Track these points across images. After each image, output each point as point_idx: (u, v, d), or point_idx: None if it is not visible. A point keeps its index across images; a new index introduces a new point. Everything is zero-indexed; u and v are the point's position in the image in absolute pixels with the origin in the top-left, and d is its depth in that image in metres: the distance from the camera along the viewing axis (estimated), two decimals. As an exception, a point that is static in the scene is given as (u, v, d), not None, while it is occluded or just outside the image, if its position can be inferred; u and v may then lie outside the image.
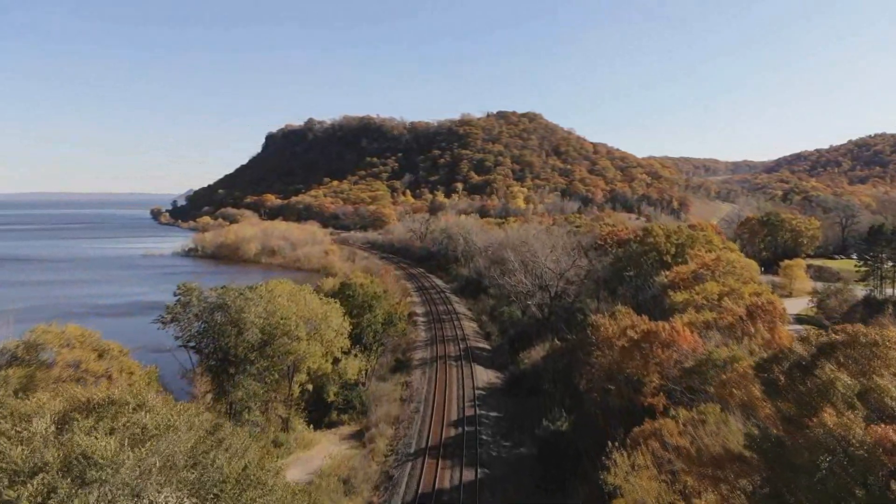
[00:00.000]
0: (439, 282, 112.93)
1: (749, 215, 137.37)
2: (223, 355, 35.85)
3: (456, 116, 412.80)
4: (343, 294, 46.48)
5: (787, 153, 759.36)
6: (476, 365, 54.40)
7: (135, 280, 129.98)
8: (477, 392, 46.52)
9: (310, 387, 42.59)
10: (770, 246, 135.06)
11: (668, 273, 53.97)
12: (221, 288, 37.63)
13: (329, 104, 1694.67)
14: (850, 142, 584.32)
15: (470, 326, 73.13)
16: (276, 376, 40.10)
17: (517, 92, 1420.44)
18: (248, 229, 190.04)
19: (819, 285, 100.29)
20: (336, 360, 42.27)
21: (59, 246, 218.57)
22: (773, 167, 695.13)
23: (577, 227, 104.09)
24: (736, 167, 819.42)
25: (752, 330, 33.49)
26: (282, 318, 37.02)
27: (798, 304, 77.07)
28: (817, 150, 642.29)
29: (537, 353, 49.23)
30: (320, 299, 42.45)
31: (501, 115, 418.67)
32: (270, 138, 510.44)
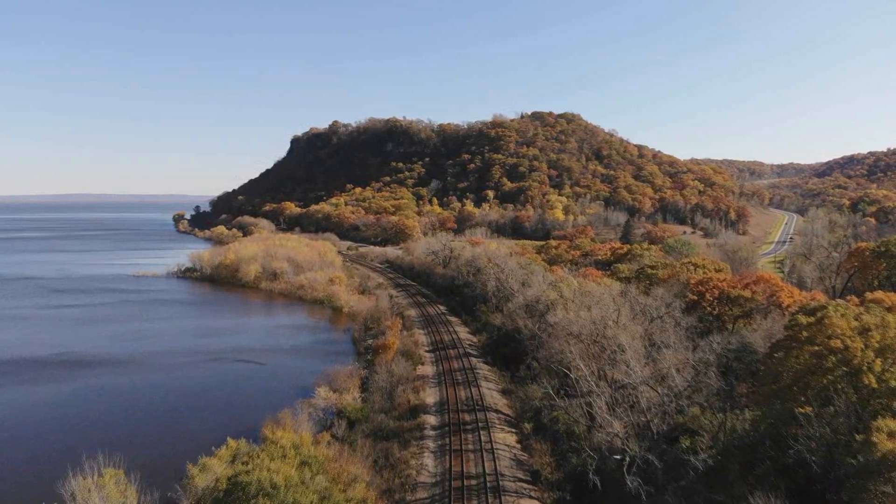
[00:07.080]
0: (463, 331, 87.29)
1: (860, 244, 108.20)
2: None
3: (487, 118, 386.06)
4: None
5: (837, 156, 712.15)
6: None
7: (98, 316, 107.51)
8: None
9: None
10: (886, 283, 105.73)
11: (890, 425, 27.47)
12: None
13: (357, 107, 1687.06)
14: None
15: (506, 446, 47.12)
16: None
17: (550, 95, 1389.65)
18: (250, 248, 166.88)
19: None
20: None
21: (49, 261, 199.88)
22: (823, 171, 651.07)
23: (650, 268, 74.96)
24: (782, 170, 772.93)
25: None
26: None
27: None
28: (871, 153, 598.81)
29: None
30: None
31: (537, 116, 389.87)
32: (295, 142, 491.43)
